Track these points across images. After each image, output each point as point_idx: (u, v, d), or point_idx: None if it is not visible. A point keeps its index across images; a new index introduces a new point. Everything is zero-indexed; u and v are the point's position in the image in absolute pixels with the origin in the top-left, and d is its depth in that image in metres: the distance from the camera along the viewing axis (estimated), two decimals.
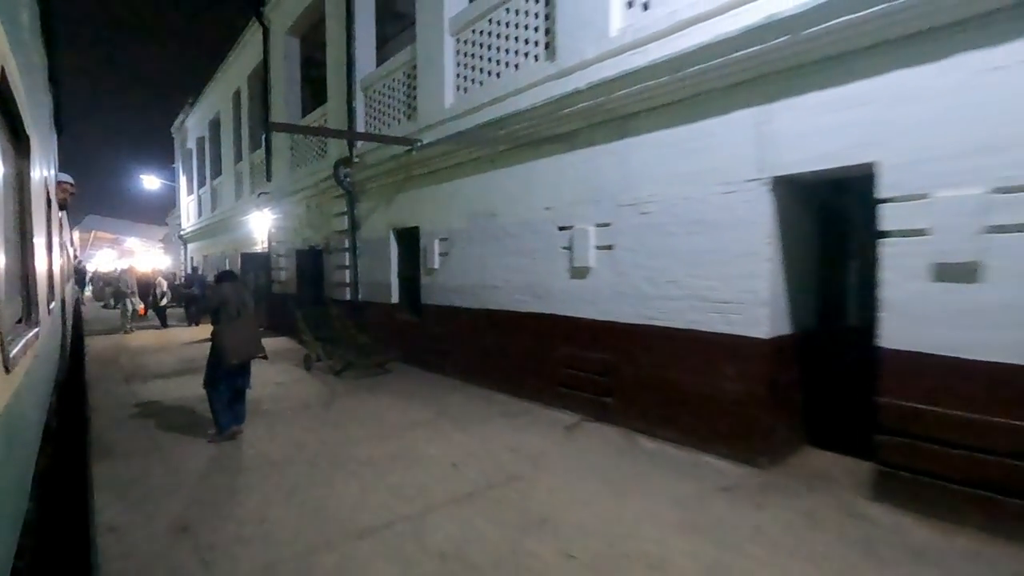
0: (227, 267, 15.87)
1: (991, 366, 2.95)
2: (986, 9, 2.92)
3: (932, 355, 3.15)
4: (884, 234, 3.34)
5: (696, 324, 4.36)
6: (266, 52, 13.06)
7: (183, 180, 24.44)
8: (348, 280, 9.63)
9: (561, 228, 5.54)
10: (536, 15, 5.84)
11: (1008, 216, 2.88)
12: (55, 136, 6.26)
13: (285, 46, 12.41)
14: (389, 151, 7.97)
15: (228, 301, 4.83)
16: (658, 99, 4.52)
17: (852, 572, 2.69)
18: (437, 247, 7.42)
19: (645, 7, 4.73)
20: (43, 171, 3.16)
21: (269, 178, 13.11)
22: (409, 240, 8.26)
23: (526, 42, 5.98)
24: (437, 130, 7.11)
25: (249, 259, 13.73)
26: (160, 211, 38.68)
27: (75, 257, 22.00)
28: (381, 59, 9.21)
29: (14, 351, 1.83)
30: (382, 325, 8.65)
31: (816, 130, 3.63)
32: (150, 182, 25.11)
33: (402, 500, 3.53)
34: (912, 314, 3.24)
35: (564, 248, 5.50)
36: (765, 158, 3.90)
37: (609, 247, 5.06)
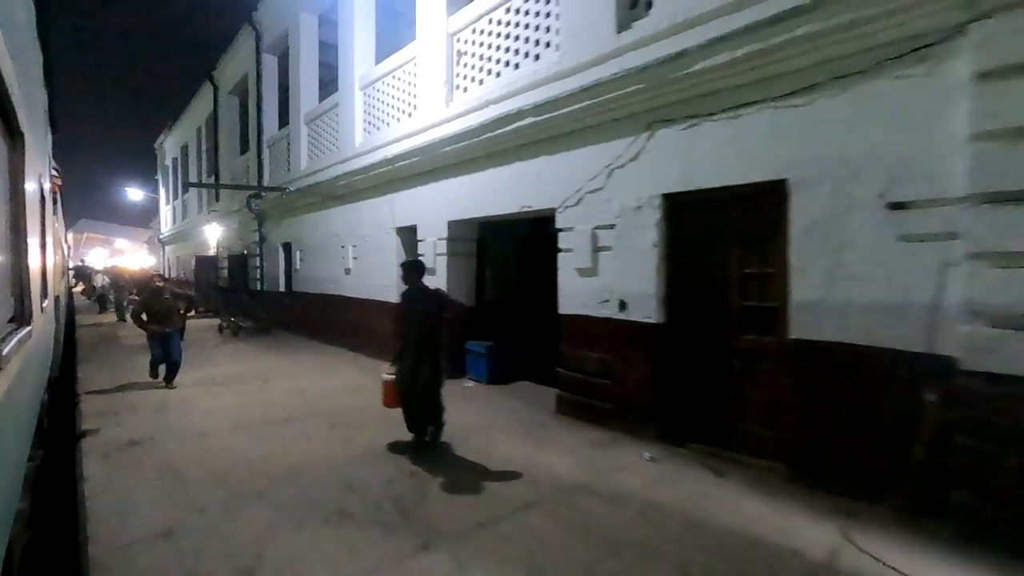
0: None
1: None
2: (445, 164, 7.30)
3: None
4: (418, 255, 7.73)
5: (378, 296, 8.75)
6: (216, 105, 17.44)
7: (162, 191, 28.79)
8: (258, 276, 14.01)
9: (342, 246, 9.92)
10: (335, 121, 10.22)
11: (443, 249, 7.27)
12: (50, 134, 6.36)
13: (228, 103, 16.79)
14: (276, 192, 12.34)
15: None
16: (365, 184, 8.91)
17: (348, 374, 7.05)
18: (298, 255, 11.82)
19: (370, 132, 9.12)
20: (37, 168, 3.15)
21: (217, 199, 17.49)
22: (289, 249, 12.64)
23: (332, 136, 10.37)
24: (298, 182, 11.49)
25: (202, 260, 17.99)
26: (146, 215, 42.93)
27: (69, 255, 26.17)
28: (281, 125, 13.59)
29: (6, 349, 1.84)
30: (274, 305, 13.03)
31: (403, 208, 8.05)
32: (134, 193, 29.30)
33: (221, 372, 7.90)
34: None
35: (343, 258, 9.88)
36: (393, 219, 8.31)
37: (356, 258, 9.45)
